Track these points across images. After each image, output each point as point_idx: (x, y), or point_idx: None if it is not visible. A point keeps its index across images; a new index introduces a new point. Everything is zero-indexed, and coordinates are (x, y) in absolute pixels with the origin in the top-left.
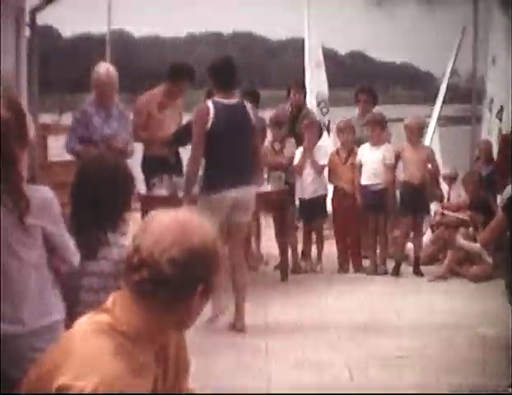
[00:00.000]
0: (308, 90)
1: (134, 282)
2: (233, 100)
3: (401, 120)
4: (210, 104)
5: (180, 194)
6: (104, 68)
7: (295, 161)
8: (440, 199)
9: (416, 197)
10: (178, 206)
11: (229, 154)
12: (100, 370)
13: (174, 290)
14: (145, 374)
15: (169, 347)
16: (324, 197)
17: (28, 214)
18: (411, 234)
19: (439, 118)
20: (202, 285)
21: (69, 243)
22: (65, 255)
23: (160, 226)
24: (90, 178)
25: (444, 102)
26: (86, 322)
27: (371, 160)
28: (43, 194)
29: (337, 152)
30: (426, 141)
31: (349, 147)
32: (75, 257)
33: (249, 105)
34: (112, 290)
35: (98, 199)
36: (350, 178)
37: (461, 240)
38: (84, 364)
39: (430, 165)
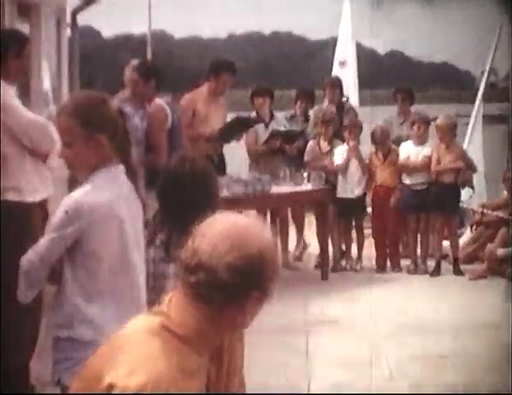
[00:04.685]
0: None
1: (190, 284)
2: (166, 99)
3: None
4: (162, 103)
5: (224, 194)
6: None
7: (337, 160)
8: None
9: (446, 196)
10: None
11: (180, 146)
12: (147, 370)
13: (230, 294)
14: (198, 375)
15: (223, 349)
16: (365, 195)
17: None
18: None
19: (476, 117)
20: (256, 292)
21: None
22: None
23: (219, 230)
24: (171, 179)
25: (482, 101)
26: (139, 323)
27: (416, 159)
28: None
29: (376, 152)
30: (466, 140)
31: (386, 148)
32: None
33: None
34: None
35: (179, 200)
36: (389, 177)
37: (499, 251)
38: (133, 362)
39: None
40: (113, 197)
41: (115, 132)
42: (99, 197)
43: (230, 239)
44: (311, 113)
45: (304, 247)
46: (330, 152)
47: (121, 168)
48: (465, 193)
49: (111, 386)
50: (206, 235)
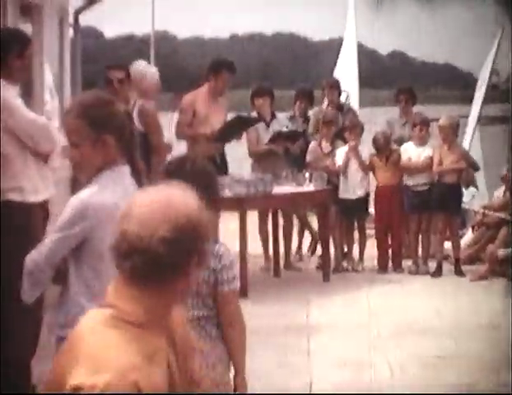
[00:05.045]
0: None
1: (127, 269)
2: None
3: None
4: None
5: (226, 194)
6: (144, 67)
7: (339, 161)
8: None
9: (448, 197)
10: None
11: None
12: (112, 364)
13: (170, 268)
14: (159, 359)
15: (174, 329)
16: (367, 196)
17: None
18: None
19: (479, 118)
20: (195, 257)
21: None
22: None
23: (143, 208)
24: (172, 180)
25: (484, 102)
26: (91, 318)
27: (417, 160)
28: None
29: (377, 154)
30: (466, 141)
31: (388, 151)
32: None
33: None
34: (204, 297)
35: None
36: (392, 177)
37: (499, 252)
38: (94, 359)
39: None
40: (118, 197)
41: (122, 132)
42: (104, 198)
43: (157, 213)
44: (310, 113)
45: (316, 240)
46: (332, 153)
47: (126, 168)
48: (468, 193)
49: (78, 387)
50: (130, 216)
